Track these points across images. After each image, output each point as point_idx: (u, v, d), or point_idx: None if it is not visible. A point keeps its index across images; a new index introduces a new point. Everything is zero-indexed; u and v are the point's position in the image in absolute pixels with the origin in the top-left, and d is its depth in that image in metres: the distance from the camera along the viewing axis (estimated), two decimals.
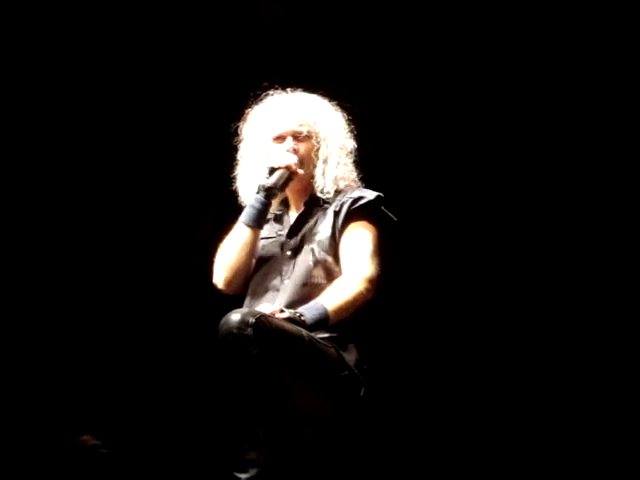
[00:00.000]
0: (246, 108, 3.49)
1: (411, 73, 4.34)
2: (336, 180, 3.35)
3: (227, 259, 3.30)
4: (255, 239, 3.30)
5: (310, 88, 3.44)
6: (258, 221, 3.29)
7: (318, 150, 3.36)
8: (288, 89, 3.44)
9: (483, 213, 4.33)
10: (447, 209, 4.34)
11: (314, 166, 3.36)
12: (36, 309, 4.42)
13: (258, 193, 3.29)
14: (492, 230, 4.31)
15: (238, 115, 3.51)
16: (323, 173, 3.35)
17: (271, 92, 3.44)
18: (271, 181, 3.26)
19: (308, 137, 3.35)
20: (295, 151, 3.33)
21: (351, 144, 3.42)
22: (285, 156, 3.31)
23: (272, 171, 3.29)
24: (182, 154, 4.52)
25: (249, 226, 3.28)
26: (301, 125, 3.35)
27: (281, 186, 3.29)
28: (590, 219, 4.25)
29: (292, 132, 3.35)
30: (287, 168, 3.28)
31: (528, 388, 4.26)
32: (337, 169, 3.36)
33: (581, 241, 4.26)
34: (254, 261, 3.35)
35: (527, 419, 4.24)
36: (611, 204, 4.25)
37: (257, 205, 3.28)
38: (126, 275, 4.47)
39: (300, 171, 3.31)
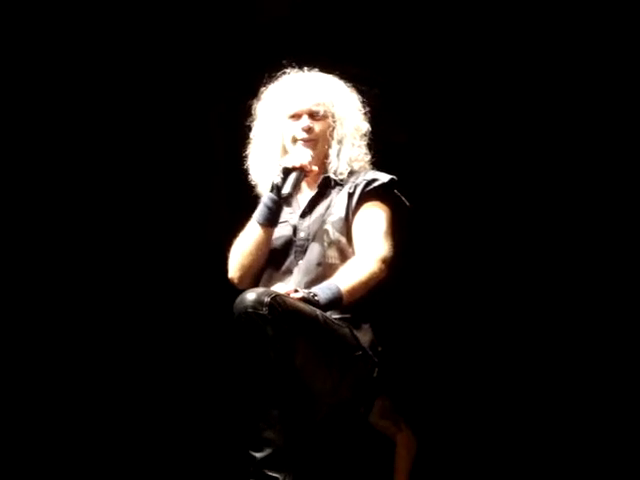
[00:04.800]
0: (260, 88, 3.46)
1: (428, 57, 4.34)
2: (350, 161, 3.33)
3: (241, 258, 3.29)
4: (269, 237, 3.29)
5: (326, 69, 3.42)
6: (271, 220, 3.27)
7: (334, 130, 3.34)
8: (305, 68, 3.42)
9: (495, 197, 4.34)
10: (460, 193, 4.34)
11: (329, 146, 3.35)
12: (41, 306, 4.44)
13: (272, 191, 3.27)
14: (503, 215, 4.32)
15: (252, 96, 3.49)
16: (338, 154, 3.34)
17: (287, 71, 3.42)
18: (287, 189, 3.22)
19: (324, 117, 3.33)
20: (310, 130, 3.31)
21: (366, 126, 3.40)
22: (299, 156, 3.28)
23: (286, 172, 3.25)
24: (192, 138, 4.52)
25: (263, 225, 3.27)
26: (318, 104, 3.33)
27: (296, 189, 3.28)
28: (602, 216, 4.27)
29: (308, 111, 3.33)
30: (301, 169, 3.25)
31: (541, 366, 4.28)
32: (352, 150, 3.34)
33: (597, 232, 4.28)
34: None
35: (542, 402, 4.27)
36: (613, 204, 4.27)
37: (270, 204, 3.26)
38: (141, 259, 4.50)
39: (315, 168, 3.28)
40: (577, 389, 4.25)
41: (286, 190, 3.22)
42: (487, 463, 4.26)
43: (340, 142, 3.34)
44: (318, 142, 3.33)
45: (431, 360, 4.32)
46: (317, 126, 3.33)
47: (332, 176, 3.34)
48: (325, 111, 3.33)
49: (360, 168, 3.36)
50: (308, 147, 3.30)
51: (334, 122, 3.34)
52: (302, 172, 3.26)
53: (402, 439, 3.77)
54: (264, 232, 3.28)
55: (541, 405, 4.27)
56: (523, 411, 4.28)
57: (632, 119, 4.23)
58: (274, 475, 2.84)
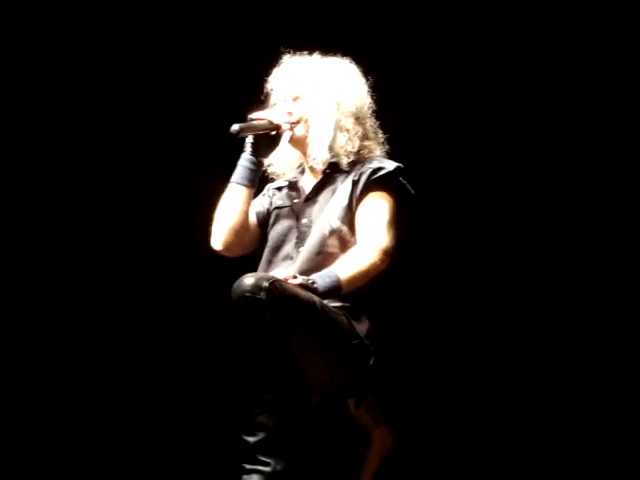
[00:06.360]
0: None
1: (421, 42, 4.34)
2: (338, 148, 3.27)
3: (219, 219, 3.27)
4: (245, 197, 3.26)
5: (330, 53, 3.37)
6: (247, 178, 3.26)
7: (317, 115, 3.28)
8: (304, 52, 3.37)
9: (495, 186, 4.33)
10: (456, 181, 4.34)
11: (309, 131, 3.29)
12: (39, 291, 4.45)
13: (245, 150, 3.28)
14: (504, 205, 4.32)
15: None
16: (317, 139, 3.27)
17: (289, 56, 3.38)
18: (239, 126, 3.20)
19: (306, 101, 3.30)
20: (289, 113, 3.29)
21: (361, 112, 3.31)
22: (272, 112, 3.29)
23: (250, 121, 3.26)
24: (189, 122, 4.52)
25: (237, 184, 3.26)
26: (300, 88, 3.30)
27: (255, 135, 3.24)
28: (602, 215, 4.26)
29: (289, 94, 3.32)
30: (268, 122, 3.25)
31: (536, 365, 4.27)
32: (338, 137, 3.27)
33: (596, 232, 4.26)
34: (254, 221, 3.35)
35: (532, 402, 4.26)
36: (612, 204, 4.25)
37: (242, 162, 3.27)
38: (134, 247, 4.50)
39: (285, 126, 3.26)
40: (572, 391, 4.24)
41: (236, 126, 3.20)
42: (465, 464, 4.26)
43: (322, 127, 3.27)
44: (299, 125, 3.29)
45: (421, 358, 4.31)
46: (298, 109, 3.30)
47: (312, 164, 3.29)
48: (307, 95, 3.29)
49: (367, 155, 3.31)
50: (290, 130, 3.28)
51: (319, 107, 3.28)
52: (269, 125, 3.24)
53: (379, 434, 3.78)
54: (239, 191, 3.25)
55: (530, 408, 4.27)
56: (508, 414, 4.28)
57: (632, 119, 4.21)
58: (266, 460, 2.84)
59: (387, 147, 3.35)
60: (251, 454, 2.85)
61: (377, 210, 3.22)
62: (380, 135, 3.36)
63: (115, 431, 4.38)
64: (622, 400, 4.19)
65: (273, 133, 3.27)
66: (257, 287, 2.86)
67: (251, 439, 2.86)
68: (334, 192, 3.28)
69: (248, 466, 2.85)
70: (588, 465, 4.14)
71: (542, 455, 4.22)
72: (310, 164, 3.33)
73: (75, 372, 4.42)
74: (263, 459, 2.84)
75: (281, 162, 3.41)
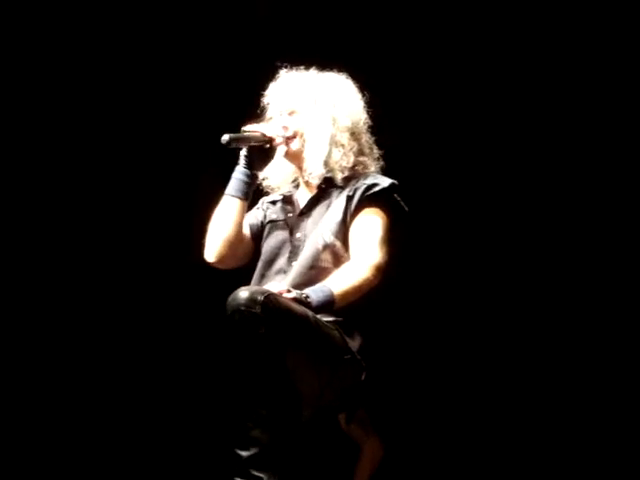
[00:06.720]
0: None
1: (422, 56, 4.36)
2: (334, 163, 3.28)
3: (213, 231, 3.28)
4: (239, 209, 3.27)
5: (327, 68, 3.39)
6: (241, 190, 3.26)
7: (312, 130, 3.29)
8: (301, 67, 3.38)
9: (492, 205, 4.34)
10: (456, 201, 4.35)
11: (304, 146, 3.30)
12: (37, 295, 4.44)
13: (239, 163, 3.28)
14: (500, 223, 4.33)
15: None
16: (312, 154, 3.28)
17: (285, 70, 3.39)
18: (229, 136, 3.21)
19: (302, 116, 3.31)
20: (285, 127, 3.30)
21: (358, 127, 3.33)
22: (266, 125, 3.29)
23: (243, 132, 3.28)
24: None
25: (231, 196, 3.27)
26: (296, 103, 3.31)
27: (248, 147, 3.25)
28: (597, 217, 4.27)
29: (286, 109, 3.32)
30: (261, 135, 3.26)
31: (531, 377, 4.29)
32: (333, 152, 3.28)
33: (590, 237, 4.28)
34: (248, 234, 3.36)
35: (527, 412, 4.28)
36: (612, 204, 4.27)
37: (236, 175, 3.28)
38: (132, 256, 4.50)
39: (279, 139, 3.26)
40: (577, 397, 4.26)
41: (227, 136, 3.21)
42: (455, 475, 4.28)
43: (318, 142, 3.28)
44: (295, 139, 3.31)
45: (412, 370, 4.33)
46: (294, 124, 3.31)
47: (308, 179, 3.31)
48: (303, 110, 3.31)
49: (363, 169, 3.32)
50: (285, 144, 3.29)
51: (315, 121, 3.29)
52: (262, 137, 3.25)
53: (369, 446, 3.80)
54: (232, 203, 3.26)
55: (519, 420, 4.29)
56: (497, 425, 4.30)
57: (632, 119, 4.23)
58: (259, 475, 2.84)
59: (382, 163, 3.37)
60: (244, 469, 2.85)
61: (371, 226, 3.23)
62: (375, 151, 3.37)
63: (110, 444, 4.37)
64: (622, 400, 4.19)
65: (267, 146, 3.29)
66: (252, 301, 2.86)
67: (244, 453, 2.85)
68: (328, 207, 3.29)
69: None
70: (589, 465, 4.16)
71: (532, 463, 4.24)
72: (305, 179, 3.35)
73: (70, 383, 4.42)
74: (256, 474, 2.84)
75: (276, 176, 3.41)
